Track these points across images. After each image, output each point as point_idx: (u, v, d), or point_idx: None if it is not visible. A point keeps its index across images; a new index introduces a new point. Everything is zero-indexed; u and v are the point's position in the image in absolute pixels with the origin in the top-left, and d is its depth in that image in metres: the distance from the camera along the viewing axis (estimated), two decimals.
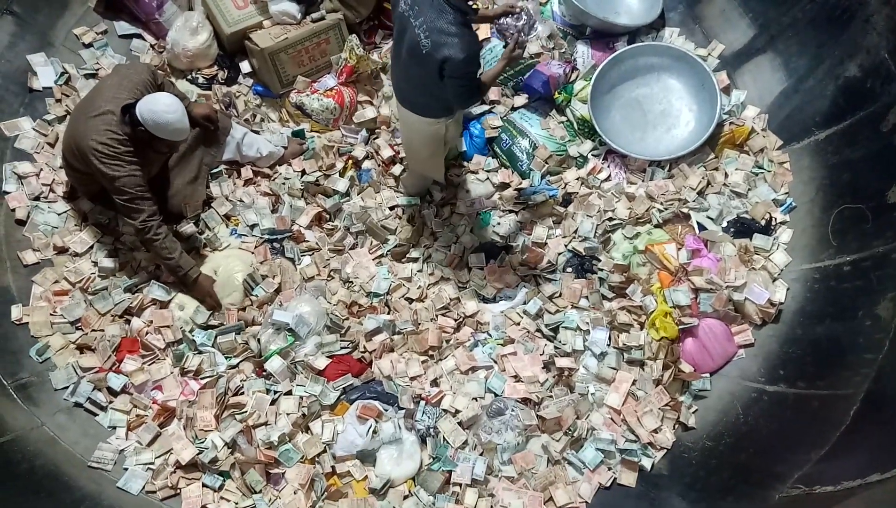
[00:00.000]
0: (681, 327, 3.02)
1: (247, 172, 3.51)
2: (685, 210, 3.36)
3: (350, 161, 3.63)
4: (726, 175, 3.46)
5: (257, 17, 3.62)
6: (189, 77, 3.66)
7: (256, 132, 3.61)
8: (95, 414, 2.88)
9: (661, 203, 3.39)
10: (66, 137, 2.95)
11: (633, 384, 3.01)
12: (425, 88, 2.80)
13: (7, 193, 3.17)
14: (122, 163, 2.76)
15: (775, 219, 3.26)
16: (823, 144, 3.20)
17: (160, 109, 2.71)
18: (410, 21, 2.58)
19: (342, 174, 3.59)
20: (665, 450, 2.91)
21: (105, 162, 2.74)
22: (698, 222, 3.33)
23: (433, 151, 3.21)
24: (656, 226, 3.36)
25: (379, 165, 3.65)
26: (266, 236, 3.35)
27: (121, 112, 2.76)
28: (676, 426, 2.96)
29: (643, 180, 3.55)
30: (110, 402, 2.91)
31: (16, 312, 2.97)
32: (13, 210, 3.16)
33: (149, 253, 3.13)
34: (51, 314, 3.01)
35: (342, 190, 3.53)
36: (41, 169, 3.27)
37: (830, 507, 2.09)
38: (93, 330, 3.00)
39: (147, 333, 3.01)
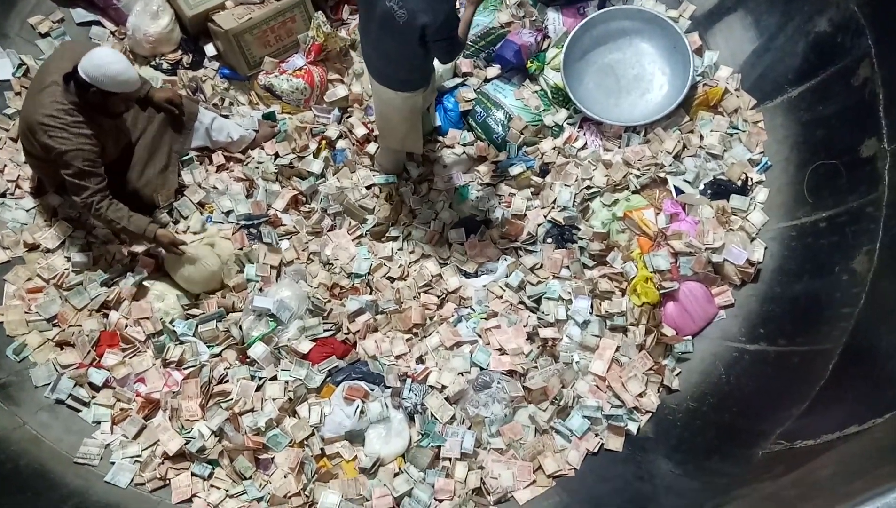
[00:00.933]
0: (662, 291, 3.03)
1: (218, 157, 3.45)
2: (662, 175, 3.36)
3: (323, 141, 3.58)
4: (701, 137, 3.45)
5: None
6: (153, 63, 3.57)
7: (226, 116, 3.53)
8: (78, 410, 2.85)
9: (638, 169, 3.39)
10: (20, 122, 2.88)
11: (617, 350, 3.02)
12: (402, 59, 2.76)
13: None
14: (69, 135, 2.66)
15: (751, 179, 3.27)
16: (796, 101, 3.20)
17: (104, 61, 2.61)
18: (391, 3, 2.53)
19: (316, 155, 3.54)
20: (650, 413, 2.94)
21: (52, 135, 2.65)
22: (675, 186, 3.33)
23: (412, 124, 3.17)
24: (634, 192, 3.36)
25: (353, 145, 3.60)
26: (242, 222, 3.31)
27: (63, 81, 2.67)
28: (661, 389, 2.99)
29: (619, 147, 3.53)
30: (93, 397, 2.88)
31: None
32: None
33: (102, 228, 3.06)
34: (26, 312, 2.96)
35: (317, 172, 3.48)
36: (5, 165, 3.19)
37: (811, 460, 2.12)
38: (70, 326, 2.96)
39: (126, 325, 2.98)
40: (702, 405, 2.87)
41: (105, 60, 2.61)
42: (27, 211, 3.16)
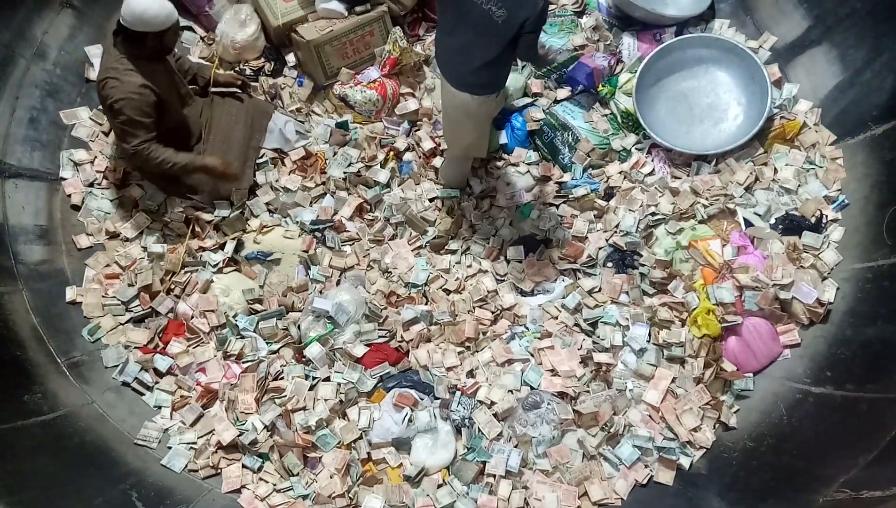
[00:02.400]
0: (724, 324, 2.95)
1: (291, 161, 3.58)
2: (731, 206, 3.28)
3: (391, 152, 3.66)
4: (776, 170, 3.36)
5: (303, 11, 3.67)
6: (237, 69, 3.74)
7: (302, 122, 3.67)
8: (142, 394, 2.99)
9: (707, 198, 3.32)
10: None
11: (673, 381, 2.95)
12: (491, 63, 2.79)
13: (64, 179, 3.30)
14: (120, 82, 2.79)
15: (826, 216, 3.15)
16: (880, 139, 3.07)
17: (143, 6, 2.71)
18: (475, 1, 2.61)
19: (383, 165, 3.63)
20: (704, 449, 2.85)
21: (106, 86, 2.80)
22: (745, 219, 3.24)
23: (483, 129, 3.24)
24: (700, 222, 3.29)
25: (420, 157, 3.67)
26: (309, 226, 3.41)
27: (112, 36, 2.84)
28: (717, 425, 2.90)
29: (688, 175, 3.47)
30: (156, 382, 3.01)
31: (70, 293, 3.09)
32: (69, 196, 3.29)
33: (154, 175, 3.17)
34: (102, 296, 3.12)
35: (383, 181, 3.56)
36: (95, 157, 3.39)
37: None
38: (148, 306, 3.12)
39: (193, 316, 3.10)
40: (760, 445, 2.76)
41: (145, 5, 2.72)
42: (111, 201, 3.35)
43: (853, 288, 2.94)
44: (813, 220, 3.16)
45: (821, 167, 3.29)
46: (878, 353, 2.66)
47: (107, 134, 3.42)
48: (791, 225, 3.18)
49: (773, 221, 3.24)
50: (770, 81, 3.37)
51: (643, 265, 3.27)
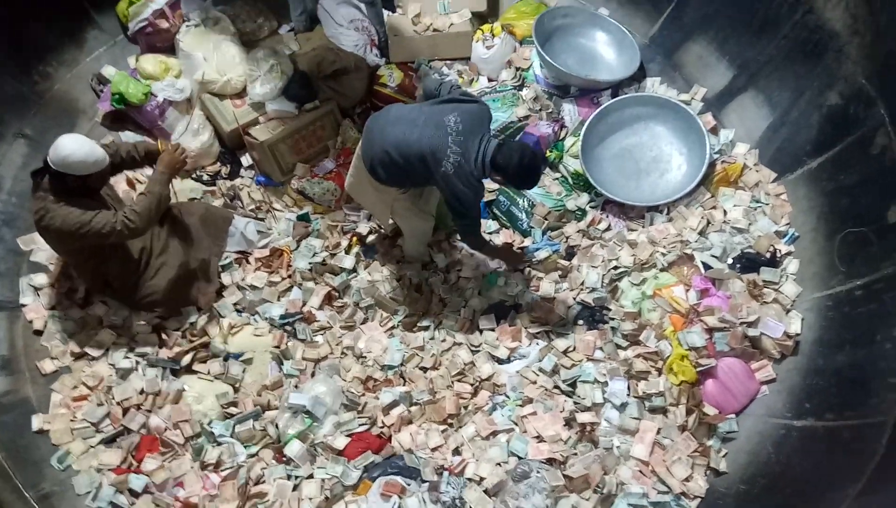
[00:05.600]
0: (699, 369, 2.97)
1: (255, 258, 3.60)
2: (689, 251, 3.36)
3: (354, 238, 3.71)
4: (725, 212, 3.48)
5: (254, 113, 3.79)
6: (193, 176, 3.81)
7: (262, 220, 3.72)
8: None
9: (664, 247, 3.41)
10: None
11: (658, 432, 2.94)
12: (405, 172, 2.93)
13: (24, 305, 3.26)
14: (54, 213, 2.75)
15: (780, 251, 3.25)
16: (817, 171, 3.23)
17: (70, 150, 2.69)
18: (448, 137, 2.76)
19: (348, 251, 3.67)
20: (699, 499, 2.81)
21: (45, 224, 2.76)
22: (703, 262, 3.32)
23: (382, 209, 3.33)
24: (662, 270, 3.36)
25: (383, 239, 3.73)
26: (279, 321, 3.39)
27: (31, 177, 2.81)
28: (708, 472, 2.87)
29: (643, 226, 3.58)
30: (132, 504, 2.88)
31: (36, 422, 3.00)
32: (31, 321, 3.24)
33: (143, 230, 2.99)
34: (71, 421, 3.04)
35: (349, 267, 3.59)
36: (56, 279, 3.36)
37: None
38: (120, 424, 3.02)
39: (166, 429, 3.02)
40: (753, 487, 2.73)
41: (71, 148, 2.70)
42: (75, 321, 3.30)
43: (817, 317, 3.00)
44: (768, 255, 3.26)
45: (767, 204, 3.41)
46: (851, 378, 2.70)
47: None
48: (748, 263, 3.27)
49: (730, 261, 3.33)
50: (706, 130, 3.54)
51: (613, 319, 3.31)
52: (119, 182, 3.54)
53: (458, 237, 3.28)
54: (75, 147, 2.72)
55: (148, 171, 3.37)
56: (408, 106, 3.05)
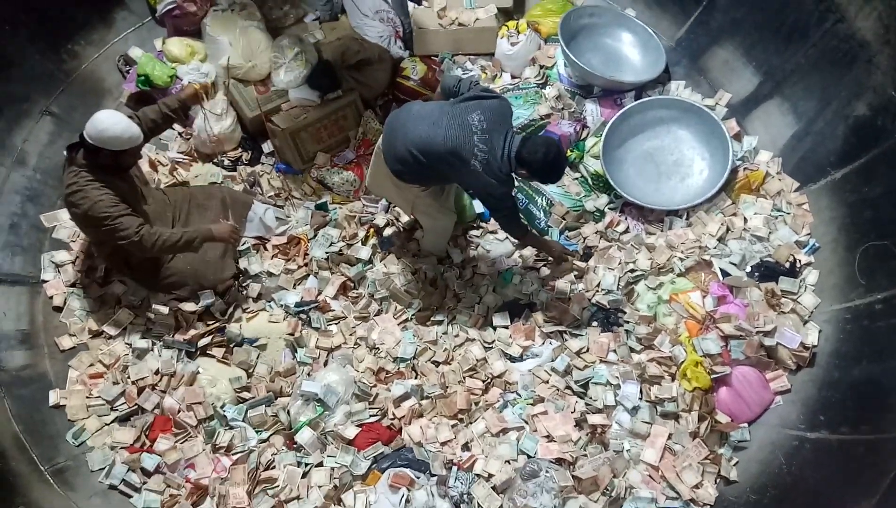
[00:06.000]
0: (713, 376, 2.96)
1: (272, 245, 3.62)
2: (707, 257, 3.35)
3: (371, 230, 3.72)
4: (745, 220, 3.45)
5: (277, 101, 3.80)
6: (215, 160, 3.83)
7: (281, 207, 3.74)
8: (130, 496, 2.90)
9: (682, 252, 3.39)
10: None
11: (669, 438, 2.93)
12: (430, 170, 2.93)
13: (45, 281, 3.30)
14: (86, 193, 2.79)
15: (800, 261, 3.23)
16: (840, 183, 3.20)
17: (106, 125, 2.75)
18: (474, 136, 2.78)
19: (364, 243, 3.68)
20: (708, 506, 2.80)
21: (74, 201, 2.79)
22: (721, 269, 3.30)
23: (403, 198, 3.32)
24: (679, 275, 3.35)
25: (400, 232, 3.73)
26: (294, 309, 3.41)
27: (67, 151, 2.86)
28: (718, 480, 2.87)
29: (662, 230, 3.56)
30: (144, 483, 2.92)
31: (53, 397, 3.04)
32: (51, 297, 3.28)
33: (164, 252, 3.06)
34: (87, 397, 3.07)
35: (365, 258, 3.60)
36: (77, 257, 3.40)
37: None
38: (134, 403, 3.06)
39: (180, 410, 3.05)
40: (763, 497, 2.72)
41: (107, 123, 2.77)
42: (94, 300, 3.34)
43: (835, 330, 2.98)
44: (787, 265, 3.24)
45: (788, 214, 3.39)
46: (868, 393, 2.68)
47: None
48: (767, 272, 3.25)
49: (748, 269, 3.31)
50: (730, 136, 3.51)
51: (627, 322, 3.30)
52: (142, 162, 3.56)
53: (501, 228, 3.28)
54: (112, 122, 2.78)
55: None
56: (430, 104, 3.04)
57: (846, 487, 2.46)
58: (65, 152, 2.89)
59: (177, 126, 3.84)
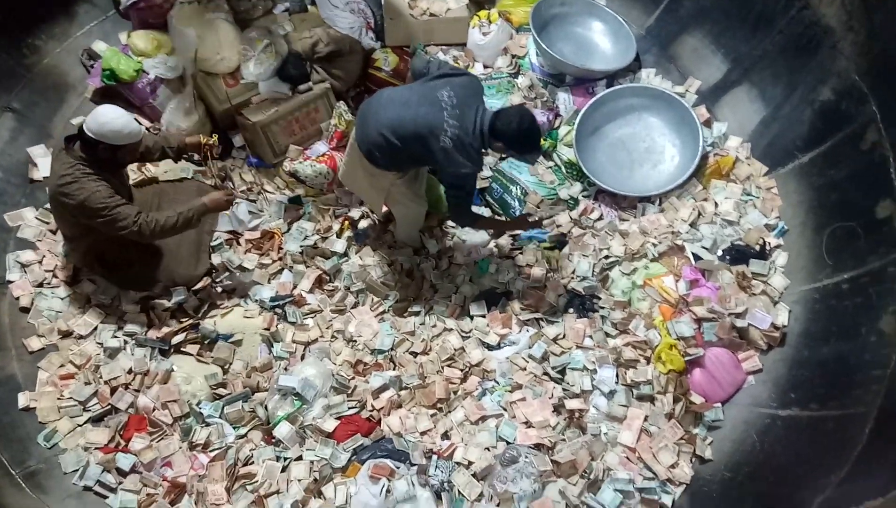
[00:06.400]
0: (687, 358, 3.01)
1: (246, 240, 3.57)
2: (679, 242, 3.39)
3: (346, 222, 3.70)
4: (716, 205, 3.51)
5: (247, 94, 3.75)
6: (184, 155, 3.76)
7: (254, 201, 3.69)
8: (105, 497, 2.84)
9: (655, 237, 3.43)
10: (51, 205, 3.06)
11: (646, 420, 2.97)
12: (403, 153, 2.91)
13: (11, 282, 3.22)
14: (82, 184, 2.75)
15: (769, 243, 3.29)
16: (807, 166, 3.26)
17: (108, 118, 2.74)
18: (444, 112, 2.75)
19: (339, 235, 3.66)
20: (684, 485, 2.85)
21: (68, 192, 2.75)
22: (693, 253, 3.35)
23: (377, 195, 3.31)
24: (652, 260, 3.39)
25: (375, 224, 3.72)
26: (269, 303, 3.38)
27: (65, 142, 2.83)
28: (693, 459, 2.92)
29: (635, 217, 3.60)
30: (120, 483, 2.87)
31: (22, 399, 2.97)
32: (17, 298, 3.20)
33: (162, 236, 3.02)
34: (58, 399, 3.01)
35: (340, 251, 3.59)
36: (44, 256, 3.33)
37: None
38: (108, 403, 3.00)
39: (154, 409, 3.01)
40: (737, 474, 2.78)
41: (109, 117, 2.75)
42: (62, 299, 3.27)
43: (804, 310, 3.05)
44: (757, 248, 3.29)
45: (757, 198, 3.45)
46: (836, 370, 2.75)
47: (54, 232, 3.38)
48: (738, 255, 3.30)
49: (720, 252, 3.36)
50: (699, 122, 3.56)
51: (603, 308, 3.34)
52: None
53: (448, 215, 3.24)
54: (114, 116, 2.76)
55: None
56: (399, 88, 3.04)
57: (816, 461, 2.52)
58: (61, 142, 2.84)
59: (143, 120, 3.77)
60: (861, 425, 2.42)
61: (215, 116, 3.81)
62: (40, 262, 3.31)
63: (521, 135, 2.77)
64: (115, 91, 3.72)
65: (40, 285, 3.28)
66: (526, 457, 2.84)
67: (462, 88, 2.82)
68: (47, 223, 3.39)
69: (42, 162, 3.46)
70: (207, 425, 3.01)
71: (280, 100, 3.72)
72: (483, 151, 2.87)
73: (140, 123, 2.89)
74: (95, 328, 3.21)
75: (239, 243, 3.58)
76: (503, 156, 3.81)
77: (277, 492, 2.82)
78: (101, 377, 3.06)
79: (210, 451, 2.95)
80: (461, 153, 2.78)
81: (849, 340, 2.75)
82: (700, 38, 3.80)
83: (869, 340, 2.63)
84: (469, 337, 3.36)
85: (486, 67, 4.09)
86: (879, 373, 2.50)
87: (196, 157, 3.73)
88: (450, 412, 3.09)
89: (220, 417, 3.03)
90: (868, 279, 2.77)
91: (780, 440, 2.75)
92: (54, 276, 3.31)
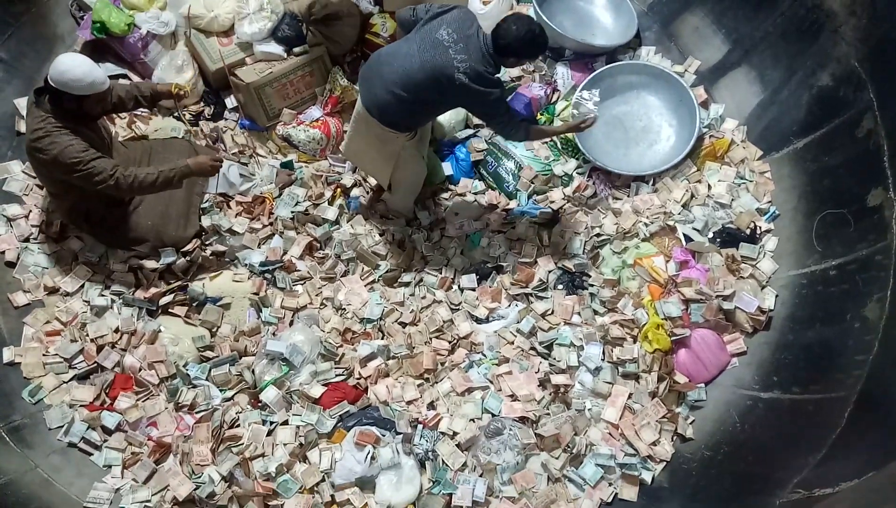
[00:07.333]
0: (673, 338, 3.04)
1: (236, 203, 3.54)
2: (671, 223, 3.40)
3: (338, 189, 3.67)
4: (709, 187, 3.51)
5: (241, 54, 3.68)
6: (175, 114, 3.70)
7: (245, 164, 3.64)
8: (90, 454, 2.85)
9: (647, 217, 3.44)
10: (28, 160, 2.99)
11: (630, 397, 3.01)
12: (418, 104, 2.88)
13: None
14: (55, 138, 2.69)
15: (760, 228, 3.31)
16: (802, 152, 3.26)
17: (68, 66, 2.65)
18: (449, 49, 2.72)
19: (331, 203, 3.63)
20: (665, 462, 2.90)
21: (41, 147, 2.69)
22: (685, 234, 3.37)
23: (385, 158, 3.26)
24: (644, 240, 3.40)
25: (367, 192, 3.69)
26: (259, 268, 3.36)
27: (34, 94, 2.75)
28: (675, 437, 2.96)
29: (628, 196, 3.60)
30: (105, 441, 2.88)
31: (7, 354, 2.95)
32: (2, 253, 3.16)
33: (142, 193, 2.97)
34: (43, 355, 2.99)
35: (332, 218, 3.56)
36: (30, 211, 3.28)
37: None
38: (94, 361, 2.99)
39: (140, 369, 3.00)
40: (717, 453, 2.83)
41: (68, 65, 2.66)
42: (48, 255, 3.23)
43: (791, 294, 3.08)
44: (748, 232, 3.31)
45: (751, 181, 3.45)
46: (819, 355, 2.79)
47: (41, 187, 3.32)
48: (728, 238, 3.32)
49: (711, 235, 3.38)
50: (697, 103, 3.55)
51: (592, 286, 3.35)
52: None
53: (501, 136, 3.28)
54: (73, 65, 2.67)
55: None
56: (395, 43, 3.00)
57: (795, 442, 2.57)
58: (31, 95, 2.76)
59: (134, 77, 3.68)
60: (841, 409, 2.46)
61: (208, 75, 3.74)
62: (27, 216, 3.26)
63: (526, 39, 2.73)
64: (105, 45, 3.63)
65: (26, 239, 3.23)
66: (510, 430, 2.88)
67: (457, 22, 2.79)
68: (34, 177, 3.33)
69: None
70: (194, 387, 3.01)
71: (275, 62, 3.65)
72: (498, 72, 2.83)
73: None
74: (82, 286, 3.19)
75: (229, 207, 3.54)
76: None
77: (262, 455, 2.84)
78: (87, 335, 3.04)
79: (196, 412, 2.96)
80: (480, 83, 2.75)
81: (833, 325, 2.78)
82: (702, 17, 3.77)
83: (853, 326, 2.67)
84: (458, 310, 3.37)
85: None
86: (861, 359, 2.54)
87: (188, 116, 3.68)
88: (436, 382, 3.11)
89: (206, 379, 3.03)
90: (855, 267, 2.80)
91: (761, 421, 2.79)
92: (41, 231, 3.26)
